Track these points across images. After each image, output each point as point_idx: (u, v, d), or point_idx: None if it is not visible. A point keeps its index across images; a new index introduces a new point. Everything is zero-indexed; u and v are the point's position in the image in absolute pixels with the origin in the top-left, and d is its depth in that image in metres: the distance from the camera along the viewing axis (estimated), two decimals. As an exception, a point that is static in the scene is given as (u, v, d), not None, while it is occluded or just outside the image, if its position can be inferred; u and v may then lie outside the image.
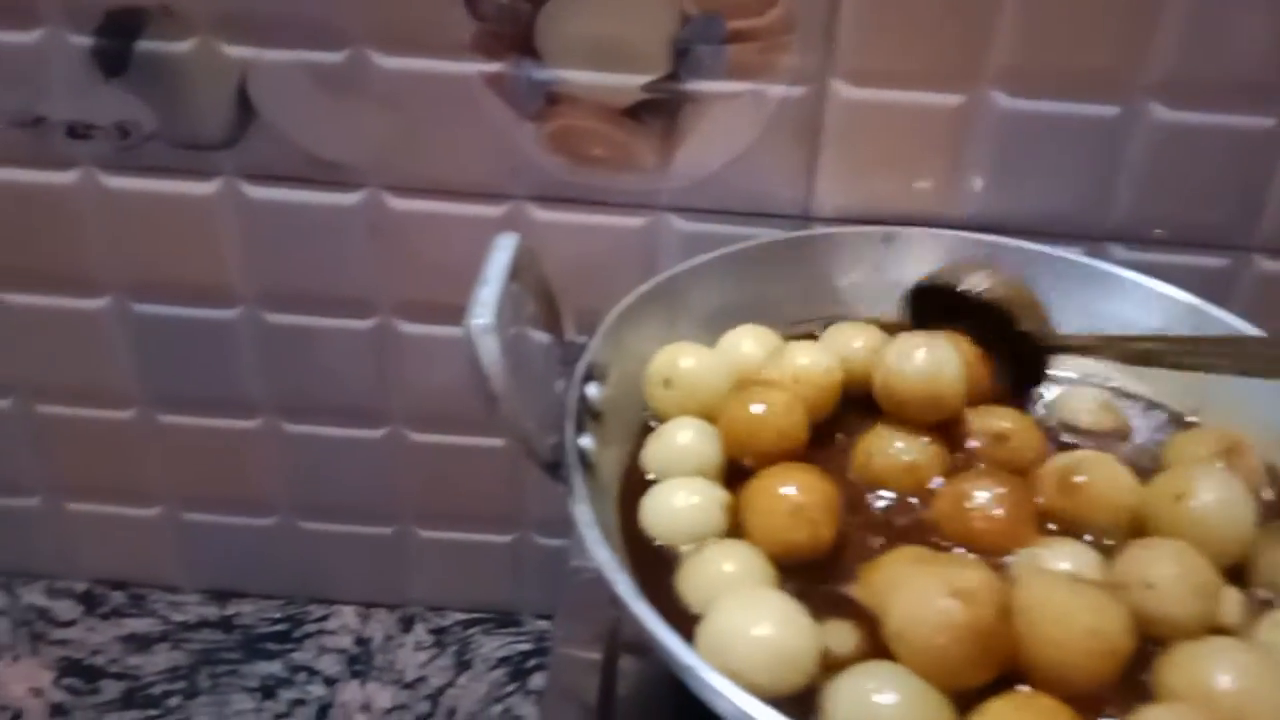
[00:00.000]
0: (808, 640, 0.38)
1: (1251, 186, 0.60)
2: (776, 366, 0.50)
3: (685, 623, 0.39)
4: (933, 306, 0.54)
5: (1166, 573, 0.39)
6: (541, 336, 0.51)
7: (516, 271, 0.44)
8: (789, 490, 0.43)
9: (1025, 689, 0.36)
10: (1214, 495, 0.42)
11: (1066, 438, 0.52)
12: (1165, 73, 0.57)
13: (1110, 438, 0.53)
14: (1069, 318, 0.57)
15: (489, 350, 0.40)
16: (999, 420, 0.49)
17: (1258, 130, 0.58)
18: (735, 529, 0.44)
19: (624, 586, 0.38)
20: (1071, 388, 0.55)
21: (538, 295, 0.48)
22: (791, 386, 0.48)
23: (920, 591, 0.36)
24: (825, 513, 0.43)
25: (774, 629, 0.37)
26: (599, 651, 0.53)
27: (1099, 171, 0.60)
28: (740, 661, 0.36)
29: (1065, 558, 0.42)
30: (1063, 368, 0.55)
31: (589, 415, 0.47)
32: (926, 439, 0.47)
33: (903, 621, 0.36)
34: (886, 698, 0.35)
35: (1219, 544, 0.41)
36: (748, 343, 0.53)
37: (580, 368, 0.48)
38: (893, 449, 0.47)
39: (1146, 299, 0.56)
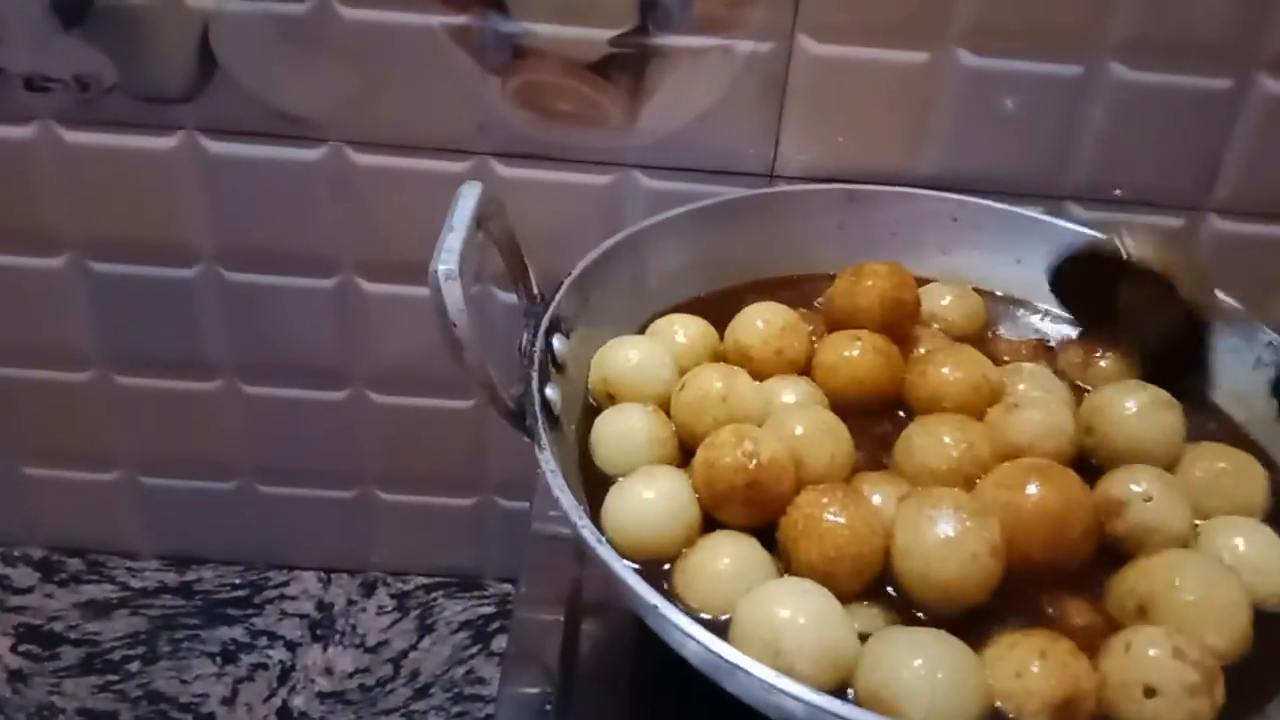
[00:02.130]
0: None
1: (1209, 147, 0.61)
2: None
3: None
4: (1082, 278, 0.52)
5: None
6: (507, 296, 0.51)
7: (481, 220, 0.44)
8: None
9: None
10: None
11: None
12: (1128, 33, 0.57)
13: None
14: (1031, 274, 0.58)
15: (454, 296, 0.40)
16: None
17: (1216, 91, 0.59)
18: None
19: (587, 530, 0.38)
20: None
21: (503, 246, 0.48)
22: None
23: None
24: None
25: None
26: (560, 614, 0.53)
27: (1060, 131, 0.60)
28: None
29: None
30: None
31: (554, 367, 0.47)
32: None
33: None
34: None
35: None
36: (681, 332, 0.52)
37: (545, 320, 0.48)
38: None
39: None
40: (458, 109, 0.60)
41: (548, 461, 0.41)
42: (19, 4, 0.58)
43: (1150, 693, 0.35)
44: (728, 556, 0.39)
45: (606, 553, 0.37)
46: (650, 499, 0.40)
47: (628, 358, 0.48)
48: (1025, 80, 0.59)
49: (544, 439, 0.42)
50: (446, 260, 0.40)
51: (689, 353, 0.50)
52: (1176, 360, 0.50)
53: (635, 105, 0.60)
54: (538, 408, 0.43)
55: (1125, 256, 0.49)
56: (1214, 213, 0.63)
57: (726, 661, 0.33)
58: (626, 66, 0.58)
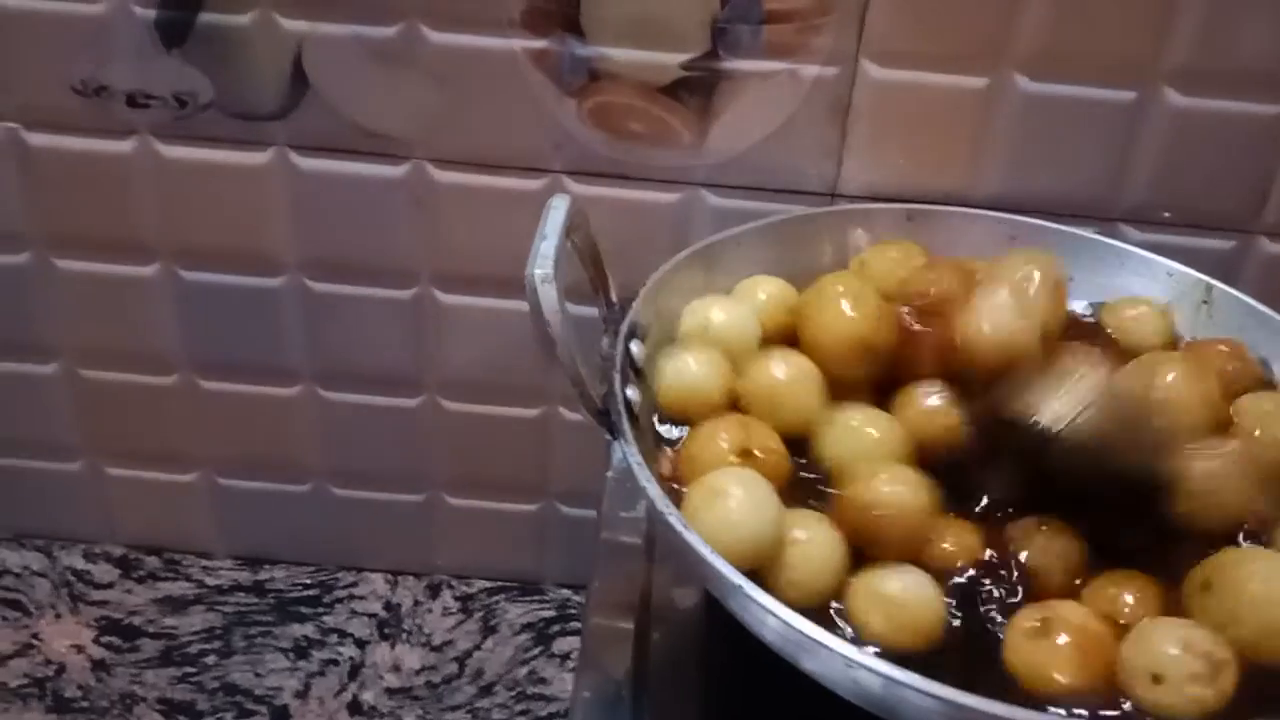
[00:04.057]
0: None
1: (1259, 171, 0.63)
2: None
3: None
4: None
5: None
6: (584, 309, 0.53)
7: (569, 229, 0.47)
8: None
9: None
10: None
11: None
12: (1181, 60, 0.59)
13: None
14: (1083, 290, 0.60)
15: (549, 298, 0.43)
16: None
17: (1266, 117, 0.61)
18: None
19: (674, 517, 0.40)
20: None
21: (586, 256, 0.51)
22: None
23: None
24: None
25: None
26: (630, 620, 0.56)
27: (1114, 154, 0.62)
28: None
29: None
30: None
31: (633, 370, 0.50)
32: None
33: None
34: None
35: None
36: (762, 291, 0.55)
37: (624, 326, 0.50)
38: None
39: (1158, 275, 0.59)
40: (534, 129, 0.63)
41: (633, 455, 0.43)
42: (125, 25, 0.61)
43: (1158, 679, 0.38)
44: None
45: (692, 537, 0.39)
46: (741, 510, 0.41)
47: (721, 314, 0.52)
48: (1081, 105, 0.61)
49: (628, 434, 0.44)
50: (542, 265, 0.43)
51: (767, 308, 0.53)
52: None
53: (704, 126, 0.62)
54: (621, 406, 0.46)
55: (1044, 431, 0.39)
56: (1264, 235, 0.65)
57: (809, 638, 0.35)
58: (697, 89, 0.61)
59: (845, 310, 0.48)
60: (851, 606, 0.40)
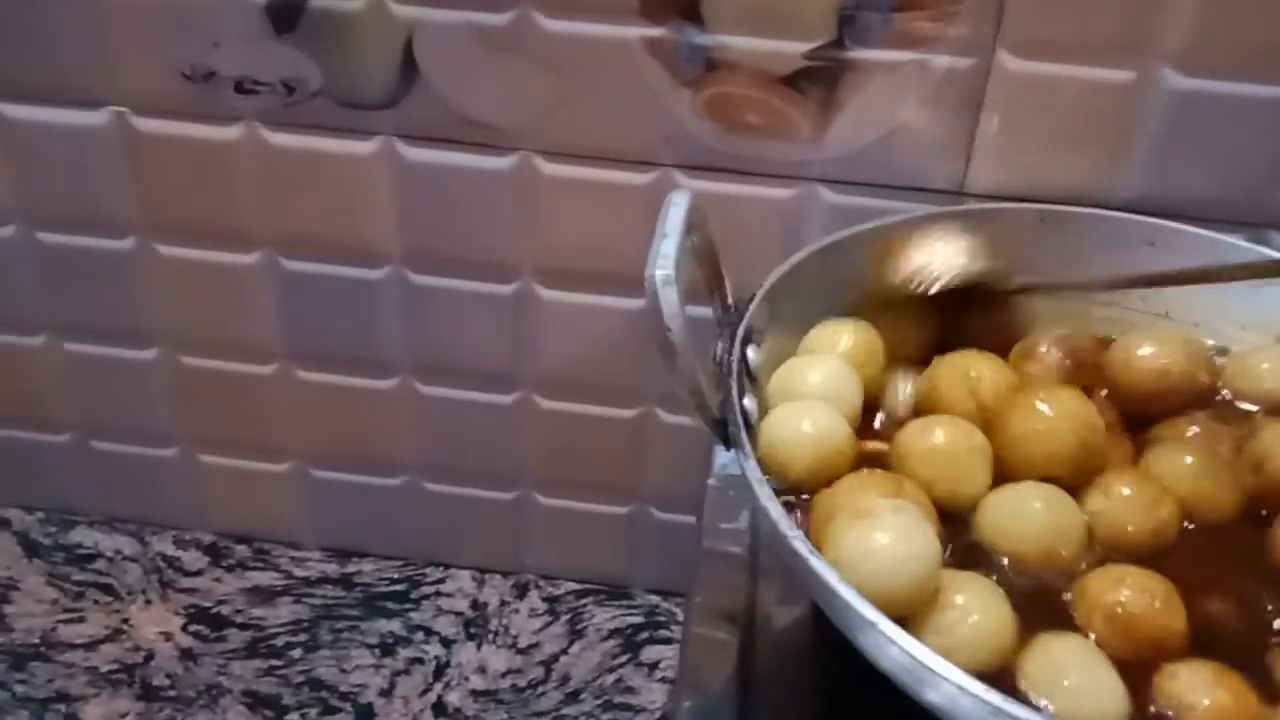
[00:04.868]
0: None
1: None
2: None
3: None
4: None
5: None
6: (696, 310, 0.51)
7: (690, 227, 0.44)
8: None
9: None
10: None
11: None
12: (1349, 55, 0.55)
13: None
14: (1231, 304, 0.55)
15: (670, 301, 0.40)
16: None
17: None
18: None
19: (799, 542, 0.37)
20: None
21: (703, 255, 0.48)
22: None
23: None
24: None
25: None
26: (733, 632, 0.53)
27: (1267, 155, 0.58)
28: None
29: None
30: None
31: (749, 378, 0.47)
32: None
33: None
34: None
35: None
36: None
37: (740, 330, 0.48)
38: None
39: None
40: (646, 120, 0.60)
41: (753, 470, 0.40)
42: (236, 10, 0.60)
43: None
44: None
45: (819, 564, 0.36)
46: (901, 549, 0.37)
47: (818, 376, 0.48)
48: (1236, 102, 0.56)
49: (748, 447, 0.41)
50: (663, 266, 0.41)
51: (852, 357, 0.49)
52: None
53: (825, 119, 0.59)
54: (739, 417, 0.43)
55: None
56: None
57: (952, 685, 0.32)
58: (819, 80, 0.58)
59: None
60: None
